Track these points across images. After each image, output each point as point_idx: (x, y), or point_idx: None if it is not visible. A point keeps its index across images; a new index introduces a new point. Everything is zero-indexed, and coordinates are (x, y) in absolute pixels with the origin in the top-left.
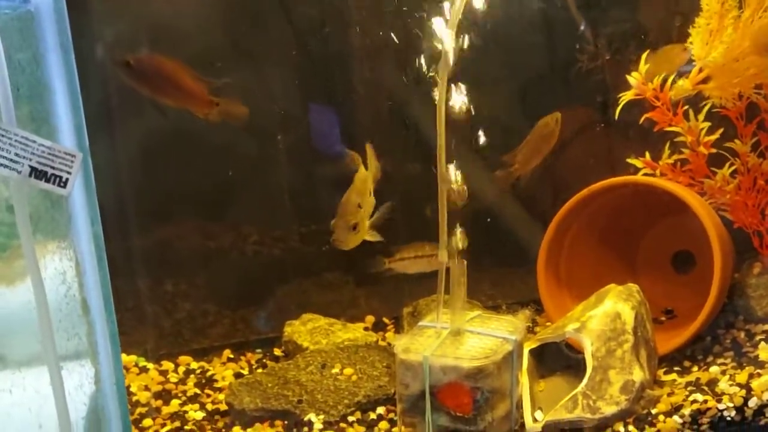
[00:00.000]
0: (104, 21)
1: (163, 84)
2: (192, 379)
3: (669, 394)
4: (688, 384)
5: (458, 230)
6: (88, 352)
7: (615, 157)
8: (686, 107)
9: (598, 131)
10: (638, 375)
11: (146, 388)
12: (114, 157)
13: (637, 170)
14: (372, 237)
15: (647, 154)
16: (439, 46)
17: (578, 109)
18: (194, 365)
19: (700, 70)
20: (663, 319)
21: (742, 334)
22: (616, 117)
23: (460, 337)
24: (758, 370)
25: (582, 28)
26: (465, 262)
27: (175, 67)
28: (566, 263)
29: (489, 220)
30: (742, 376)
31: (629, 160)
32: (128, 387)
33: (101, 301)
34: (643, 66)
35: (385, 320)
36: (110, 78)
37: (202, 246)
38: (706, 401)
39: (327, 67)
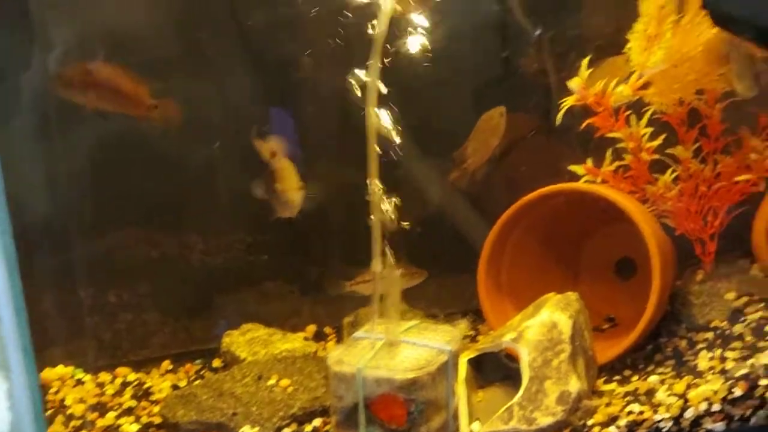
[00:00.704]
0: (50, 25)
1: (101, 92)
2: (129, 391)
3: (607, 405)
4: (627, 394)
5: (390, 202)
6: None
7: (558, 163)
8: (629, 112)
9: (541, 136)
10: (575, 385)
11: (82, 401)
12: (56, 164)
13: (579, 177)
14: None
15: (589, 161)
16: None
17: (521, 114)
18: (132, 377)
19: (640, 76)
20: (605, 327)
21: (684, 342)
22: (558, 123)
23: (395, 348)
24: (696, 380)
25: (527, 32)
26: (399, 272)
27: (111, 72)
28: (508, 271)
29: (419, 230)
30: (680, 386)
31: (571, 167)
32: (63, 400)
33: (13, 314)
34: (584, 71)
35: (327, 330)
36: (50, 84)
37: (146, 255)
38: (642, 412)
39: (276, 74)
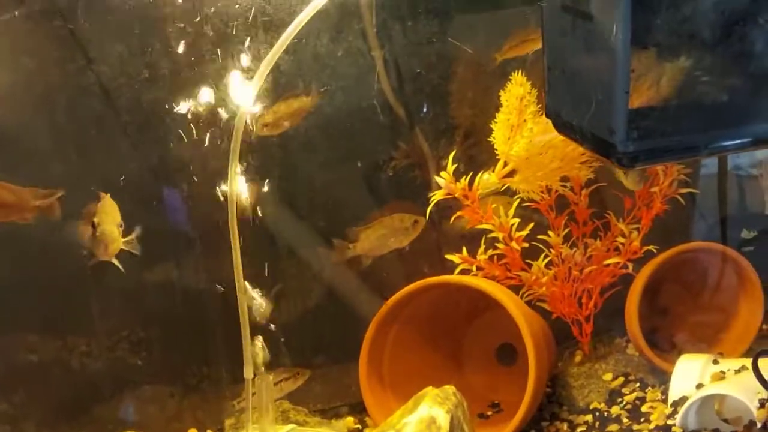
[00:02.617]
0: None
1: None
2: None
3: None
4: None
5: (258, 342)
6: None
7: (439, 252)
8: (495, 205)
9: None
10: None
11: None
12: None
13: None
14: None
15: (464, 250)
16: None
17: (395, 204)
18: None
19: (505, 164)
20: (489, 413)
21: (565, 426)
22: (427, 216)
23: None
24: None
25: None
26: (270, 377)
27: None
28: (390, 364)
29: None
30: None
31: (447, 256)
32: None
33: None
34: (450, 166)
35: None
36: None
37: (23, 361)
38: None
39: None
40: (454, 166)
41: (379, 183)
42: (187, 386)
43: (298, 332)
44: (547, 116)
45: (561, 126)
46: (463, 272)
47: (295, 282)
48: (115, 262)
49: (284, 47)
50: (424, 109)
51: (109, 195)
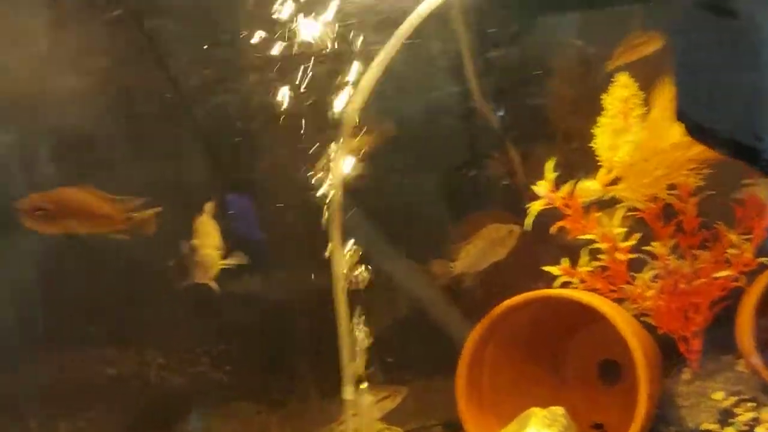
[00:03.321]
0: None
1: (76, 219)
2: None
3: None
4: None
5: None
6: None
7: (538, 264)
8: (599, 214)
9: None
10: None
11: None
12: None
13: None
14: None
15: (565, 261)
16: None
17: (492, 214)
18: None
19: (608, 171)
20: None
21: None
22: (528, 226)
23: None
24: None
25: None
26: (378, 396)
27: (85, 197)
28: (489, 380)
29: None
30: None
31: (545, 268)
32: None
33: None
34: (550, 173)
35: None
36: None
37: (101, 375)
38: None
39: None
40: (556, 174)
41: (472, 191)
42: (273, 402)
43: (390, 348)
44: (678, 120)
45: (694, 130)
46: (564, 285)
47: (387, 296)
48: (213, 285)
49: (396, 50)
50: (517, 114)
51: (206, 214)
